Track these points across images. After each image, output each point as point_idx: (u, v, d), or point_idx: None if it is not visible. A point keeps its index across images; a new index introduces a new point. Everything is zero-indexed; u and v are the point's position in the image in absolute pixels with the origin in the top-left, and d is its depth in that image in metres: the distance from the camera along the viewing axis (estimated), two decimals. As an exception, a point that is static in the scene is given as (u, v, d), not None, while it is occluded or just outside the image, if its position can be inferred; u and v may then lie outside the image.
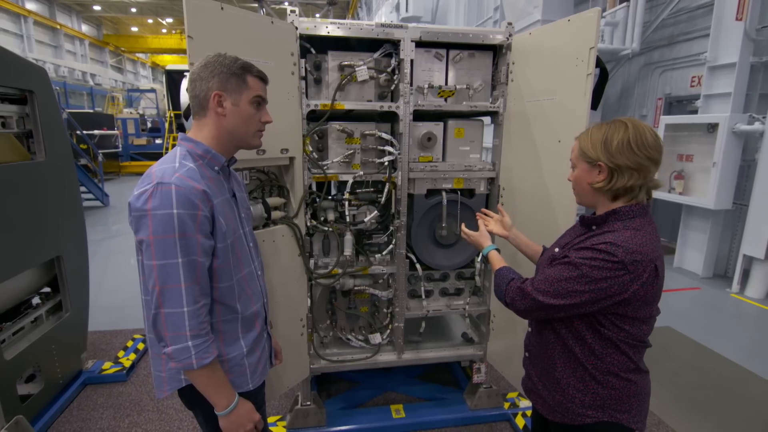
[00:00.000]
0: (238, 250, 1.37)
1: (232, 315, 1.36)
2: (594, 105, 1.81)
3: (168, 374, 1.33)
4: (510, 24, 2.25)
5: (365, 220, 2.35)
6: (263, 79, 1.36)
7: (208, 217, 1.21)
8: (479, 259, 2.50)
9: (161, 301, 1.17)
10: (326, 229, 2.32)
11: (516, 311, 1.34)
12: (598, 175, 1.23)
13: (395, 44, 2.18)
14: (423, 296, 2.54)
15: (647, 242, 1.16)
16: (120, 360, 3.21)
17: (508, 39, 2.24)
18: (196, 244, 1.18)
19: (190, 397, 1.36)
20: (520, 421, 2.56)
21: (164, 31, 27.99)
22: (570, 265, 1.19)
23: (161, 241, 1.15)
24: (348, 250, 2.30)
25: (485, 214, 1.84)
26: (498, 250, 1.60)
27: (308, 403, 2.48)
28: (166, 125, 15.63)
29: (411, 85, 2.22)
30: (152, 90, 23.25)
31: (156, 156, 15.11)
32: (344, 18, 21.10)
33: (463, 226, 1.81)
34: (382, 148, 2.29)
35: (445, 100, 2.33)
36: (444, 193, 2.37)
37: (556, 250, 1.38)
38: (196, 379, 1.25)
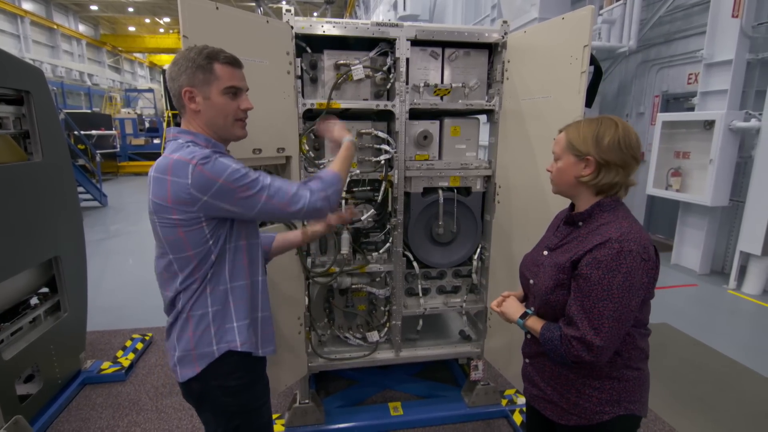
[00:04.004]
0: None
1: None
2: (588, 103, 1.82)
3: (198, 351, 1.33)
4: (505, 22, 2.25)
5: (362, 218, 2.36)
6: (233, 63, 1.32)
7: None
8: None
9: (269, 198, 1.27)
10: (323, 227, 2.32)
11: (593, 363, 1.22)
12: (584, 168, 1.26)
13: (391, 43, 2.19)
14: (420, 294, 2.54)
15: (640, 227, 1.22)
16: (119, 360, 3.21)
17: (503, 37, 2.24)
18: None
19: (199, 394, 1.38)
20: (517, 418, 2.57)
21: (162, 30, 27.91)
22: (601, 285, 1.16)
23: (234, 170, 1.23)
24: (345, 249, 2.31)
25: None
26: (527, 313, 1.40)
27: (306, 401, 2.49)
28: (164, 125, 15.61)
29: (407, 83, 2.23)
30: (150, 90, 23.22)
31: (154, 156, 15.08)
32: (342, 17, 21.08)
33: (494, 306, 1.51)
34: (378, 146, 2.30)
35: (441, 98, 2.34)
36: (440, 192, 2.38)
37: (545, 252, 1.39)
38: (344, 170, 1.49)
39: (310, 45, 2.18)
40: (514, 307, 1.44)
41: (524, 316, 1.40)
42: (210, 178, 1.20)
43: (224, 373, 1.36)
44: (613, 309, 1.16)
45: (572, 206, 1.41)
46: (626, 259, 1.15)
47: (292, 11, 2.06)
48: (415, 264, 2.49)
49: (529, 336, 1.45)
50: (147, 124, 18.20)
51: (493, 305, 1.52)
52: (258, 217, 1.32)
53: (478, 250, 2.55)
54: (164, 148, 1.33)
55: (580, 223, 1.31)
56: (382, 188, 2.34)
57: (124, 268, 5.64)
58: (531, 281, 1.41)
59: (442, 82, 2.33)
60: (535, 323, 1.35)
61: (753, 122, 4.59)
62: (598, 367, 1.24)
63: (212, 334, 1.34)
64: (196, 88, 1.27)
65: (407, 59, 2.20)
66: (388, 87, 2.27)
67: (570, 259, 1.25)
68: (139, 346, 3.43)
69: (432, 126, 2.36)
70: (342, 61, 2.20)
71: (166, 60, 28.76)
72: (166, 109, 15.54)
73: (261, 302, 1.47)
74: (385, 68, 2.23)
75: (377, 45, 2.22)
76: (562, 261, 1.28)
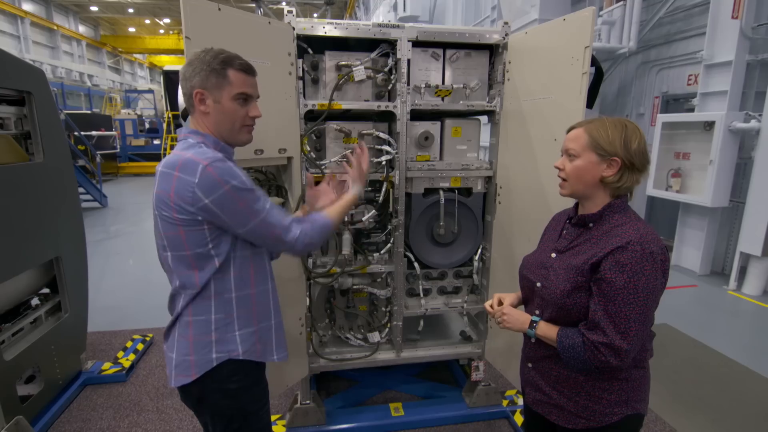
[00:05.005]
0: None
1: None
2: (589, 104, 1.83)
3: (196, 357, 1.32)
4: (506, 23, 2.26)
5: (363, 219, 2.36)
6: (247, 71, 1.33)
7: None
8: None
9: (263, 220, 1.27)
10: (324, 228, 2.33)
11: (618, 368, 1.21)
12: (607, 168, 1.24)
13: (392, 44, 2.19)
14: (421, 295, 2.55)
15: (651, 228, 1.23)
16: (119, 360, 3.22)
17: (504, 38, 2.25)
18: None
19: (198, 397, 1.37)
20: (518, 419, 2.57)
21: (162, 31, 27.91)
22: (627, 289, 1.15)
23: (242, 181, 1.24)
24: (346, 249, 2.31)
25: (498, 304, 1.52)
26: (533, 321, 1.36)
27: (307, 401, 2.49)
28: (164, 126, 15.58)
29: (408, 84, 2.23)
30: (150, 91, 23.18)
31: (154, 157, 15.08)
32: (342, 18, 21.09)
33: (488, 307, 1.50)
34: (379, 147, 2.30)
35: (442, 99, 2.34)
36: (441, 192, 2.38)
37: (553, 255, 1.36)
38: (338, 219, 1.51)
39: (312, 46, 2.18)
40: (520, 319, 1.39)
41: (532, 324, 1.36)
42: (217, 181, 1.19)
43: (223, 377, 1.35)
44: (639, 312, 1.15)
45: (576, 208, 1.39)
46: (649, 261, 1.15)
47: (294, 12, 2.06)
48: (416, 264, 2.49)
49: (533, 339, 1.40)
50: (147, 125, 18.21)
51: (486, 306, 1.49)
52: (246, 235, 1.29)
53: (479, 250, 2.55)
54: (166, 150, 1.34)
55: (591, 225, 1.30)
56: (383, 189, 2.34)
57: (124, 269, 5.64)
58: (538, 284, 1.37)
59: (443, 83, 2.33)
60: (549, 331, 1.31)
61: (753, 123, 4.59)
62: (610, 368, 1.22)
63: (213, 341, 1.32)
64: (208, 91, 1.28)
65: (408, 60, 2.20)
66: (389, 88, 2.27)
67: (588, 261, 1.23)
68: (140, 346, 3.43)
69: (433, 127, 2.37)
70: (343, 62, 2.20)
71: (166, 61, 28.70)
72: (166, 110, 15.50)
73: (273, 309, 1.46)
74: (386, 69, 2.23)
75: (378, 46, 2.23)
76: (578, 263, 1.26)
